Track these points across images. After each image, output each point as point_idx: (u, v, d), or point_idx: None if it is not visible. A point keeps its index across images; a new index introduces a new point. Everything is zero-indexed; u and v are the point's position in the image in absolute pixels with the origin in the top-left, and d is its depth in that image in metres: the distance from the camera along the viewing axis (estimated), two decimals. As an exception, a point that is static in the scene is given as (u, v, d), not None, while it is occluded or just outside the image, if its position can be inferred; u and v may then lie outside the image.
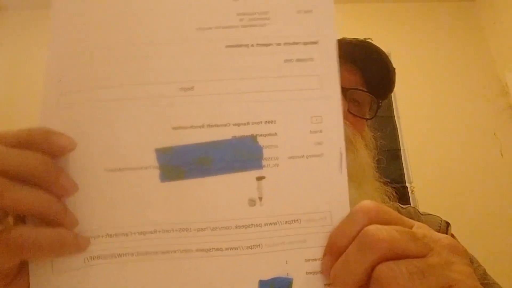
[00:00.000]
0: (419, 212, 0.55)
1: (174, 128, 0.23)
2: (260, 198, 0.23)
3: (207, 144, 0.23)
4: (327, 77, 0.24)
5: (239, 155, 0.23)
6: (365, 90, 0.53)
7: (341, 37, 0.52)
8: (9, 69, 1.75)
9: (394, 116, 1.59)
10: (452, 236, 0.51)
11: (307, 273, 0.23)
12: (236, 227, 0.23)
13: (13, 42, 1.82)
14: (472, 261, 0.48)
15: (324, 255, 0.23)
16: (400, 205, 0.56)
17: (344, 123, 0.48)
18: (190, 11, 0.23)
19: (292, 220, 0.23)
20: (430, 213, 0.55)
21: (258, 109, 0.23)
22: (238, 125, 0.23)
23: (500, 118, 1.59)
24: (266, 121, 0.23)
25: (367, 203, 0.22)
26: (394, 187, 1.66)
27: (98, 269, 0.22)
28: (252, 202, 0.23)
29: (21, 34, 1.84)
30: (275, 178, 0.23)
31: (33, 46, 1.79)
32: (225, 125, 0.23)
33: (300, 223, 0.23)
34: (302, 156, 0.23)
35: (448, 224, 0.52)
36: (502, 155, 1.53)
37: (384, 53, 0.52)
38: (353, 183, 0.46)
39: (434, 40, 1.76)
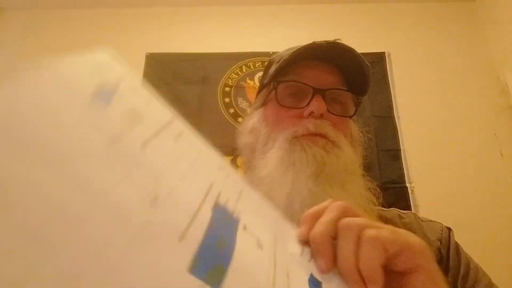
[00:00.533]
0: (419, 218, 0.54)
1: (180, 239, 0.20)
2: (257, 239, 0.25)
3: (209, 232, 0.22)
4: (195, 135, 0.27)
5: (226, 219, 0.24)
6: (344, 88, 0.53)
7: (312, 41, 0.52)
8: (10, 69, 1.74)
9: (394, 116, 1.59)
10: (456, 244, 0.50)
11: (301, 255, 0.27)
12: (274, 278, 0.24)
13: (13, 43, 1.82)
14: (477, 269, 0.47)
15: (303, 227, 0.29)
16: (400, 211, 0.55)
17: (326, 123, 0.49)
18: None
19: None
20: (431, 219, 0.54)
21: (200, 181, 0.24)
22: (204, 199, 0.23)
23: (500, 118, 1.59)
24: (211, 184, 0.24)
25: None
26: (394, 187, 1.66)
27: None
28: (260, 245, 0.25)
29: (21, 34, 1.84)
30: (248, 218, 0.25)
31: (33, 46, 1.80)
32: (199, 207, 0.23)
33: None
34: (240, 191, 0.27)
35: (449, 230, 0.52)
36: (502, 155, 1.53)
37: (355, 50, 0.52)
38: (336, 184, 0.46)
39: (434, 40, 1.76)
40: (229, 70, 1.71)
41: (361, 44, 1.74)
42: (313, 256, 0.27)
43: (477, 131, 1.57)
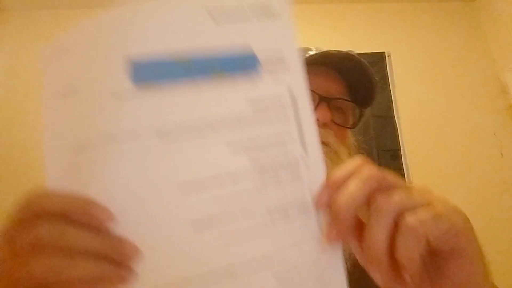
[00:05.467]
0: None
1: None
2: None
3: None
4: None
5: None
6: (349, 99, 0.54)
7: (326, 50, 0.53)
8: (10, 69, 1.75)
9: (394, 116, 1.59)
10: None
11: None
12: None
13: (14, 42, 1.82)
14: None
15: (323, 190, 0.26)
16: None
17: (329, 132, 0.50)
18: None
19: None
20: None
21: None
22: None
23: (500, 118, 1.59)
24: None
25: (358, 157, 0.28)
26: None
27: None
28: None
29: (21, 34, 1.84)
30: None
31: (33, 46, 1.79)
32: None
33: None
34: None
35: None
36: (502, 155, 1.53)
37: (366, 63, 0.54)
38: None
39: (434, 40, 1.76)
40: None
41: (361, 44, 1.74)
42: (327, 219, 0.25)
43: (477, 131, 1.57)
